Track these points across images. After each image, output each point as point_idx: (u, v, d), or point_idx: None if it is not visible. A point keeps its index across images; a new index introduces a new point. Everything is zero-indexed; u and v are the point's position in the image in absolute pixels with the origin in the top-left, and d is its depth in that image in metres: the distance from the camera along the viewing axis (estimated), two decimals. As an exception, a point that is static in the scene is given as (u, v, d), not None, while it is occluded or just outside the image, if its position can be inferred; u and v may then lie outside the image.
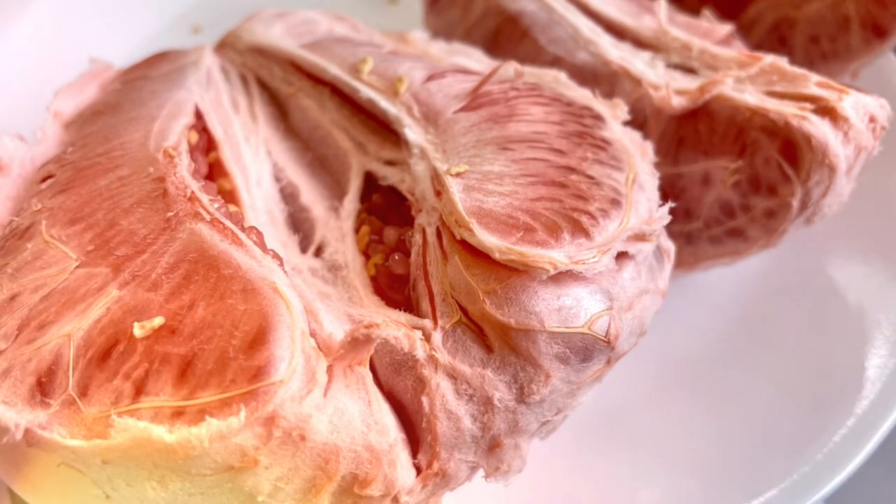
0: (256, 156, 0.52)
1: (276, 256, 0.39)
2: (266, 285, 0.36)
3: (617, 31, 0.60)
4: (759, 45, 0.64)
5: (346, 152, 0.52)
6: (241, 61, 0.59)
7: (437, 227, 0.42)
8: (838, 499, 0.52)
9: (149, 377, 0.33)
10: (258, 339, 0.33)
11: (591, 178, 0.43)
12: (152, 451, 0.31)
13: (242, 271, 0.36)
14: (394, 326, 0.36)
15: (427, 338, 0.38)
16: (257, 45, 0.58)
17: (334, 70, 0.54)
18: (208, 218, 0.39)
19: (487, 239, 0.38)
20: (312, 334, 0.35)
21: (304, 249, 0.47)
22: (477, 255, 0.39)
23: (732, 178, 0.52)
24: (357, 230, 0.47)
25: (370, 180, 0.50)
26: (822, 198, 0.51)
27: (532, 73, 0.52)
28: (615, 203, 0.42)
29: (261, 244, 0.39)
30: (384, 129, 0.51)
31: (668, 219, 0.42)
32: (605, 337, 0.38)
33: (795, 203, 0.51)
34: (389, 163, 0.50)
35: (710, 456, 0.54)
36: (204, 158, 0.49)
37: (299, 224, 0.49)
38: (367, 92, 0.51)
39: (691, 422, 0.56)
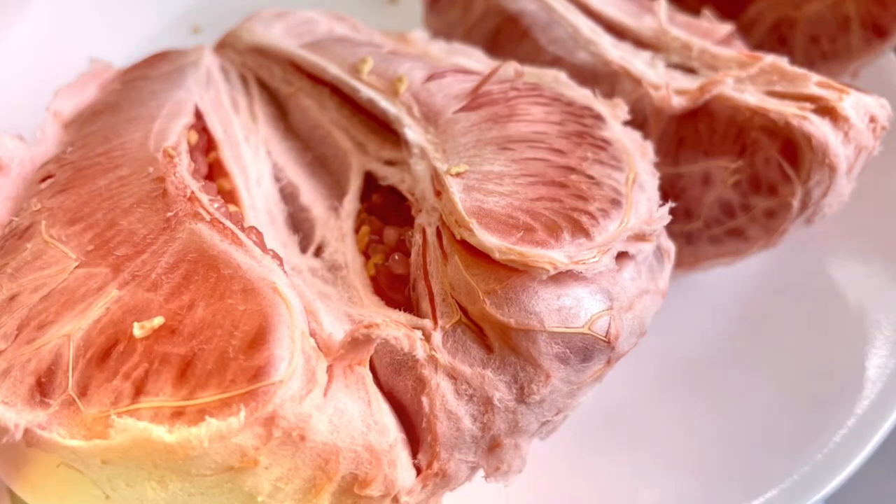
0: (256, 156, 0.52)
1: (275, 256, 0.39)
2: (266, 285, 0.36)
3: (617, 30, 0.60)
4: (760, 45, 0.64)
5: (346, 152, 0.52)
6: (240, 61, 0.59)
7: (437, 227, 0.42)
8: (839, 499, 0.52)
9: (148, 377, 0.33)
10: (258, 339, 0.33)
11: (591, 177, 0.43)
12: (152, 452, 0.31)
13: (242, 271, 0.36)
14: (394, 326, 0.36)
15: (427, 338, 0.38)
16: (257, 44, 0.58)
17: (334, 70, 0.54)
18: (208, 218, 0.39)
19: (487, 239, 0.38)
20: (312, 334, 0.35)
21: (303, 249, 0.47)
22: (477, 255, 0.39)
23: (733, 178, 0.52)
24: (357, 230, 0.47)
25: (370, 180, 0.50)
26: (823, 198, 0.51)
27: (532, 72, 0.52)
28: (615, 203, 0.42)
29: (261, 244, 0.39)
30: (384, 129, 0.51)
31: (668, 219, 0.42)
32: (606, 337, 0.38)
33: (796, 203, 0.51)
34: (389, 163, 0.50)
35: (710, 456, 0.54)
36: (204, 158, 0.49)
37: (299, 224, 0.49)
38: (367, 92, 0.51)
39: (691, 422, 0.56)
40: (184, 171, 0.43)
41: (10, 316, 0.37)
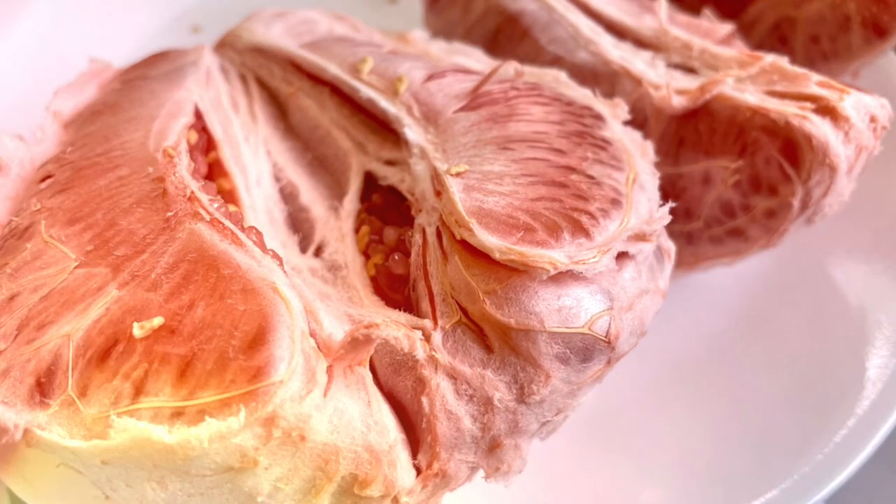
0: (256, 155, 0.52)
1: (275, 256, 0.39)
2: (266, 285, 0.36)
3: (617, 30, 0.60)
4: (760, 45, 0.64)
5: (345, 152, 0.52)
6: (240, 61, 0.59)
7: (437, 227, 0.42)
8: (839, 499, 0.52)
9: (148, 377, 0.33)
10: (258, 339, 0.33)
11: (591, 177, 0.43)
12: (152, 452, 0.31)
13: (242, 271, 0.36)
14: (394, 326, 0.36)
15: (427, 338, 0.38)
16: (257, 44, 0.58)
17: (334, 70, 0.54)
18: (208, 218, 0.39)
19: (487, 239, 0.38)
20: (312, 334, 0.35)
21: (303, 249, 0.47)
22: (477, 255, 0.39)
23: (733, 178, 0.52)
24: (357, 230, 0.47)
25: (370, 180, 0.50)
26: (823, 198, 0.51)
27: (532, 72, 0.52)
28: (615, 203, 0.42)
29: (260, 244, 0.39)
30: (384, 129, 0.51)
31: (668, 219, 0.42)
32: (606, 337, 0.38)
33: (796, 203, 0.51)
34: (389, 162, 0.50)
35: (710, 456, 0.54)
36: (203, 158, 0.49)
37: (299, 224, 0.49)
38: (366, 91, 0.51)
39: (692, 422, 0.56)
40: (183, 171, 0.43)
41: (10, 316, 0.37)
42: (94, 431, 0.32)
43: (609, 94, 0.54)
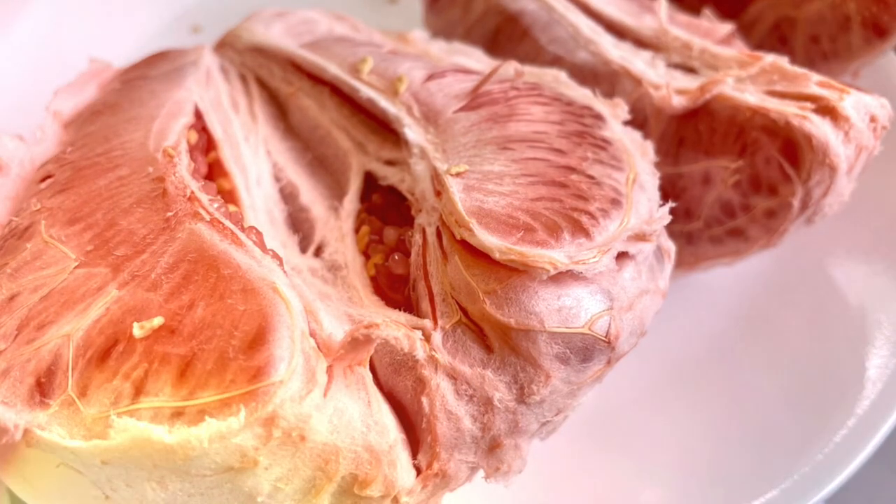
0: (256, 155, 0.52)
1: (275, 256, 0.39)
2: (266, 285, 0.36)
3: (617, 30, 0.60)
4: (760, 45, 0.64)
5: (345, 152, 0.52)
6: (240, 61, 0.59)
7: (437, 227, 0.42)
8: (839, 499, 0.52)
9: (148, 377, 0.33)
10: (258, 339, 0.33)
11: (591, 177, 0.43)
12: (152, 452, 0.31)
13: (242, 271, 0.36)
14: (394, 326, 0.36)
15: (427, 338, 0.38)
16: (257, 44, 0.58)
17: (334, 70, 0.54)
18: (208, 218, 0.39)
19: (487, 239, 0.38)
20: (312, 334, 0.35)
21: (303, 249, 0.47)
22: (477, 255, 0.39)
23: (733, 178, 0.52)
24: (357, 230, 0.47)
25: (370, 180, 0.50)
26: (823, 197, 0.51)
27: (532, 72, 0.52)
28: (615, 203, 0.41)
29: (260, 244, 0.39)
30: (384, 129, 0.51)
31: (668, 219, 0.42)
32: (606, 337, 0.38)
33: (796, 203, 0.51)
34: (389, 162, 0.50)
35: (710, 456, 0.54)
36: (203, 158, 0.49)
37: (299, 224, 0.49)
38: (366, 91, 0.51)
39: (692, 422, 0.56)
40: (183, 171, 0.43)
41: (10, 316, 0.37)
42: (94, 431, 0.32)
43: (609, 94, 0.54)
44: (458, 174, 0.43)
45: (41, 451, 0.33)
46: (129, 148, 0.45)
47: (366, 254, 0.46)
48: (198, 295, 0.35)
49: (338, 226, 0.48)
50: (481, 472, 0.40)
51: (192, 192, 0.41)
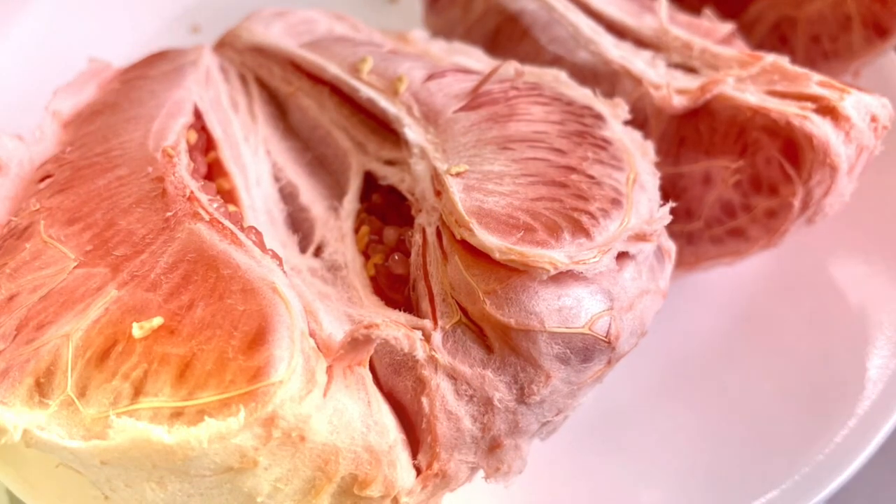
0: (256, 155, 0.52)
1: (275, 256, 0.39)
2: (265, 285, 0.35)
3: (618, 30, 0.59)
4: (761, 45, 0.64)
5: (345, 152, 0.52)
6: (240, 61, 0.59)
7: (437, 227, 0.42)
8: (840, 500, 0.52)
9: (148, 377, 0.33)
10: (257, 339, 0.33)
11: (591, 177, 0.43)
12: (151, 452, 0.31)
13: (242, 271, 0.36)
14: (394, 327, 0.36)
15: (427, 338, 0.38)
16: (257, 44, 0.58)
17: (334, 69, 0.54)
18: (207, 218, 0.39)
19: (487, 239, 0.38)
20: (312, 334, 0.35)
21: (303, 249, 0.47)
22: (477, 255, 0.39)
23: (733, 178, 0.52)
24: (357, 230, 0.47)
25: (370, 180, 0.50)
26: (824, 197, 0.51)
27: (532, 72, 0.52)
28: (616, 203, 0.41)
29: (260, 244, 0.39)
30: (384, 129, 0.51)
31: (668, 219, 0.42)
32: (606, 337, 0.38)
33: (797, 203, 0.51)
34: (389, 162, 0.49)
35: (710, 456, 0.53)
36: (203, 158, 0.49)
37: (299, 224, 0.49)
38: (366, 91, 0.51)
39: (692, 422, 0.56)
40: (183, 171, 0.43)
41: (9, 316, 0.37)
42: (93, 432, 0.32)
43: (609, 93, 0.54)
44: (458, 174, 0.43)
45: (40, 452, 0.33)
46: (128, 148, 0.45)
47: (365, 254, 0.46)
48: (197, 295, 0.35)
49: (337, 226, 0.48)
50: (481, 473, 0.40)
51: (192, 192, 0.41)
